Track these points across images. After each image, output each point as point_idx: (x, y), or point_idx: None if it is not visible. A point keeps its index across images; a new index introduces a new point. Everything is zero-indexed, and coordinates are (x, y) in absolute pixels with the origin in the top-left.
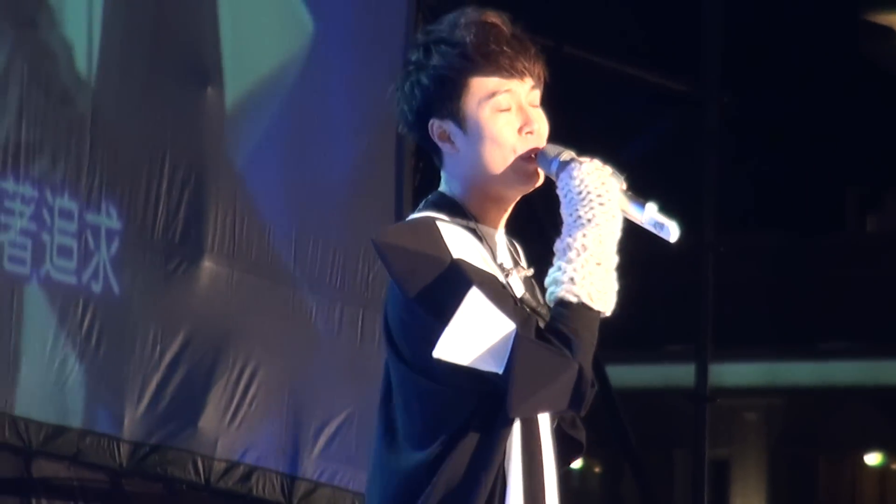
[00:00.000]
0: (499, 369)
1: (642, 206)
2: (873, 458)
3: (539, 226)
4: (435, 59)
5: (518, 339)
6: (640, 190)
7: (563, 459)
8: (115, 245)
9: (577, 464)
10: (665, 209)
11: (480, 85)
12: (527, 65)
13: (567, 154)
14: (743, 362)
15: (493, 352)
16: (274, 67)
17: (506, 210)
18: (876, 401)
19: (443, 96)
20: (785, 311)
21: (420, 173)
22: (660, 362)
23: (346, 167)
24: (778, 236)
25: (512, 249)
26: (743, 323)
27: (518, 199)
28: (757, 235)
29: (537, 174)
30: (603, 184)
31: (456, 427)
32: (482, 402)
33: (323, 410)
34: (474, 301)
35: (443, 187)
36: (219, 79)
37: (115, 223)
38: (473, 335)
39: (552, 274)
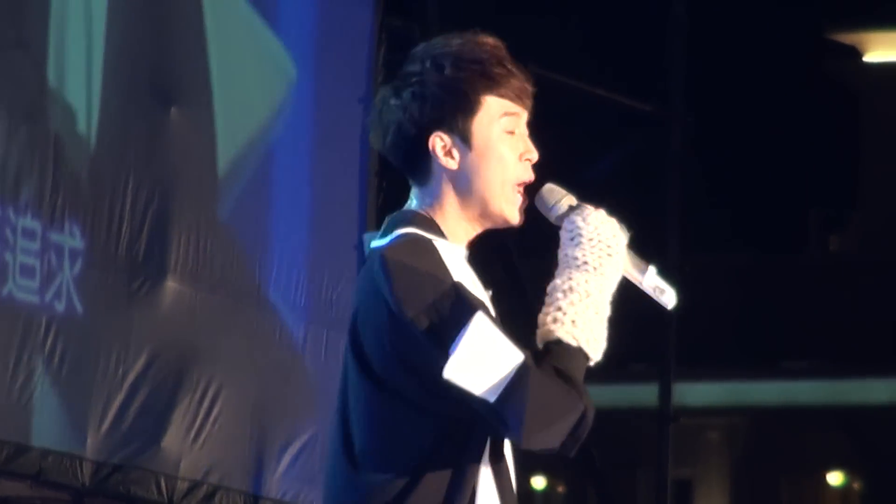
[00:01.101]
0: (491, 398)
1: (644, 267)
2: (836, 478)
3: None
4: (450, 72)
5: (528, 370)
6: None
7: None
8: (78, 265)
9: (540, 483)
10: (630, 230)
11: (494, 104)
12: (529, 93)
13: (572, 198)
14: (706, 382)
15: (496, 380)
16: (237, 87)
17: (474, 236)
18: (839, 420)
19: (455, 110)
20: (748, 330)
21: (383, 193)
22: (623, 382)
23: (310, 187)
24: (741, 256)
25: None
26: (706, 342)
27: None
28: (721, 256)
29: (522, 213)
30: (614, 235)
31: (426, 450)
32: (454, 426)
33: (287, 430)
34: (481, 326)
35: (414, 205)
36: (183, 99)
37: (78, 243)
38: (481, 360)
39: (552, 312)
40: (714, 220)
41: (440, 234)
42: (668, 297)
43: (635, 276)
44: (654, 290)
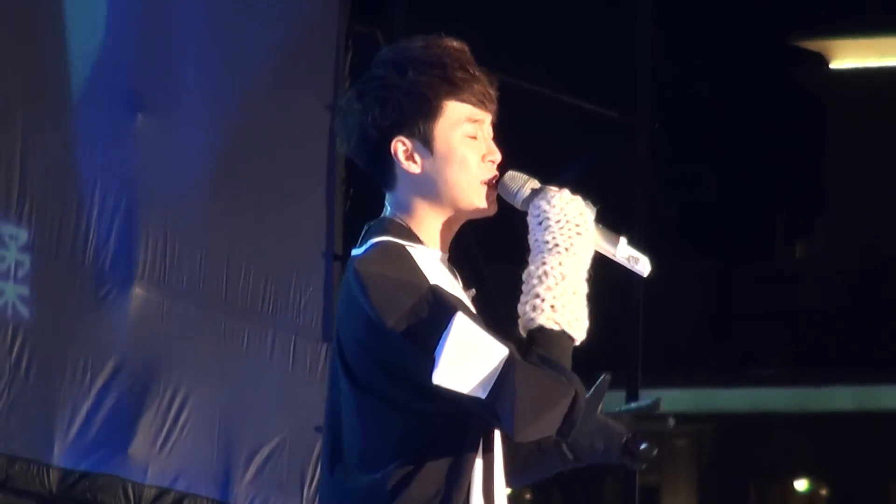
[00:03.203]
0: (482, 395)
1: (615, 239)
2: (802, 485)
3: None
4: (412, 77)
5: (514, 363)
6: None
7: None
8: (43, 271)
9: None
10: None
11: (455, 109)
12: (492, 97)
13: (535, 182)
14: (673, 388)
15: (484, 377)
16: (206, 94)
17: (451, 236)
18: (805, 427)
19: (416, 114)
20: (715, 337)
21: (350, 200)
22: (589, 389)
23: (277, 195)
24: (709, 263)
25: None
26: (673, 349)
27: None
28: (688, 262)
29: (496, 202)
30: (581, 213)
31: (419, 449)
32: (445, 424)
33: (254, 437)
34: (463, 326)
35: (389, 212)
36: (150, 105)
37: (45, 249)
38: (467, 360)
39: (531, 300)
40: (681, 227)
41: (416, 240)
42: (642, 265)
43: (608, 249)
44: (629, 260)
